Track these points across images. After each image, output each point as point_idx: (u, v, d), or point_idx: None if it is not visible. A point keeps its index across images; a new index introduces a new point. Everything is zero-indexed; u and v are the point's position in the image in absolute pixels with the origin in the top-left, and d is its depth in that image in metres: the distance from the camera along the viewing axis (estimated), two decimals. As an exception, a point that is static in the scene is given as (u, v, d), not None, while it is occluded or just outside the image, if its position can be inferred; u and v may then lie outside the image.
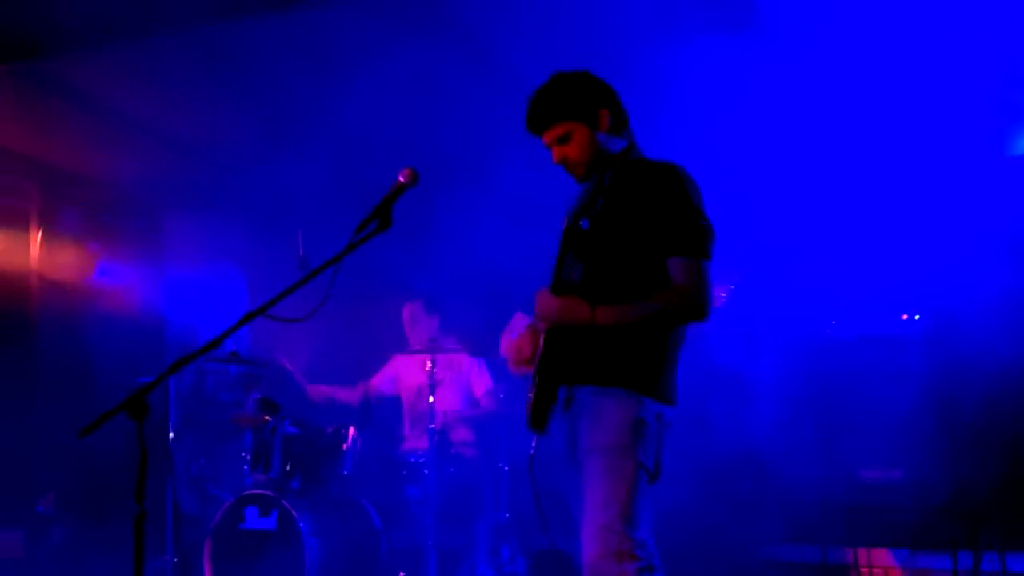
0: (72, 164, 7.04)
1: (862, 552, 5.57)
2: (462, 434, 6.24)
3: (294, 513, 5.10)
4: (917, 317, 5.34)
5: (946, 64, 5.06)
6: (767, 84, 5.29)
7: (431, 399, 5.68)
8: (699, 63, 5.05)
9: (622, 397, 2.93)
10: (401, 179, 2.97)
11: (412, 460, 5.81)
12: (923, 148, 5.45)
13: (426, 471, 5.64)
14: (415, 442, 6.18)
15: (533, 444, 3.17)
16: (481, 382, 6.34)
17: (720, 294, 4.46)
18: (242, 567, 5.18)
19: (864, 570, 5.58)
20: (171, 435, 5.83)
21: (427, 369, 5.71)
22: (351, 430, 5.61)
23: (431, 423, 5.64)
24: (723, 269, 4.35)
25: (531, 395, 3.09)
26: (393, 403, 6.53)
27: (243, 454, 5.63)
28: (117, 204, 7.36)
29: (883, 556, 5.63)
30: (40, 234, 7.34)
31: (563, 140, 3.16)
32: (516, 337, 3.20)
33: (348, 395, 6.44)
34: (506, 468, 5.95)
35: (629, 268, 3.00)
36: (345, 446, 5.59)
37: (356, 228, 2.94)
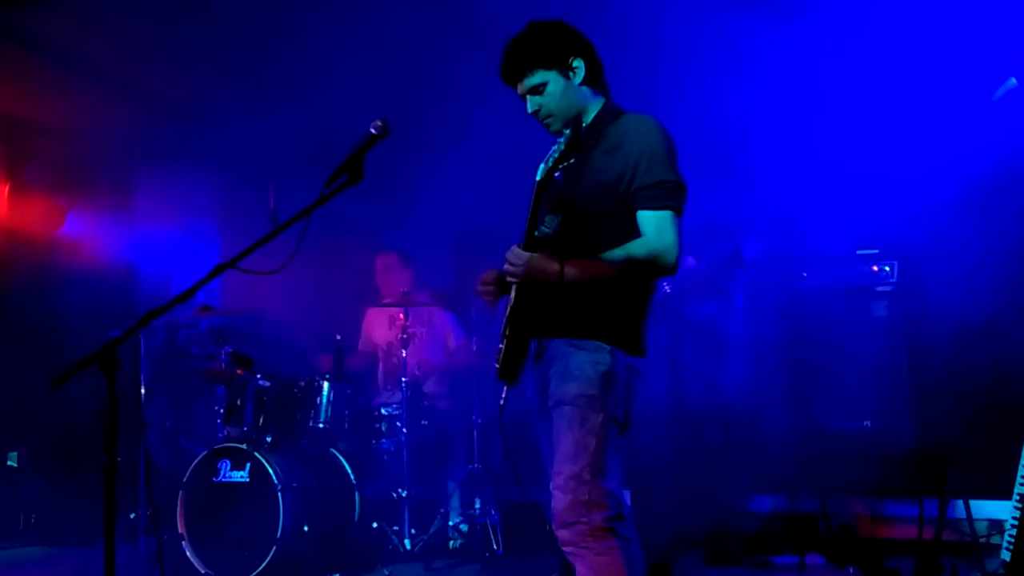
0: (40, 117, 6.95)
1: (831, 500, 5.64)
2: (435, 387, 6.27)
3: (267, 466, 5.11)
4: (888, 268, 5.37)
5: (926, 7, 5.06)
6: (745, 30, 5.27)
7: (404, 353, 5.69)
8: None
9: (592, 349, 2.95)
10: (372, 131, 2.94)
11: (385, 413, 5.83)
12: (896, 93, 5.45)
13: (399, 424, 5.66)
14: (388, 395, 6.20)
15: (503, 395, 3.18)
16: (454, 336, 6.36)
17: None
18: (215, 520, 5.20)
19: (833, 518, 5.65)
20: (143, 389, 5.83)
21: (400, 323, 5.71)
22: (324, 383, 5.61)
23: (404, 376, 5.66)
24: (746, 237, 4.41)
25: (502, 347, 3.09)
26: (367, 356, 6.54)
27: (216, 408, 5.63)
28: (86, 157, 7.27)
29: (851, 504, 5.71)
30: (8, 187, 7.26)
31: (537, 90, 3.14)
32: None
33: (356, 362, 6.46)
34: (479, 420, 5.98)
35: (602, 221, 3.00)
36: (318, 399, 5.60)
37: (327, 181, 2.91)
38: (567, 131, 3.09)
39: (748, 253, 4.35)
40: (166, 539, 5.39)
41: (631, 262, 2.93)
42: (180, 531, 5.23)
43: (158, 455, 6.23)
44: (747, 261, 4.40)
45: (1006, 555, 4.19)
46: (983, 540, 5.21)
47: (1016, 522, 4.19)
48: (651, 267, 2.96)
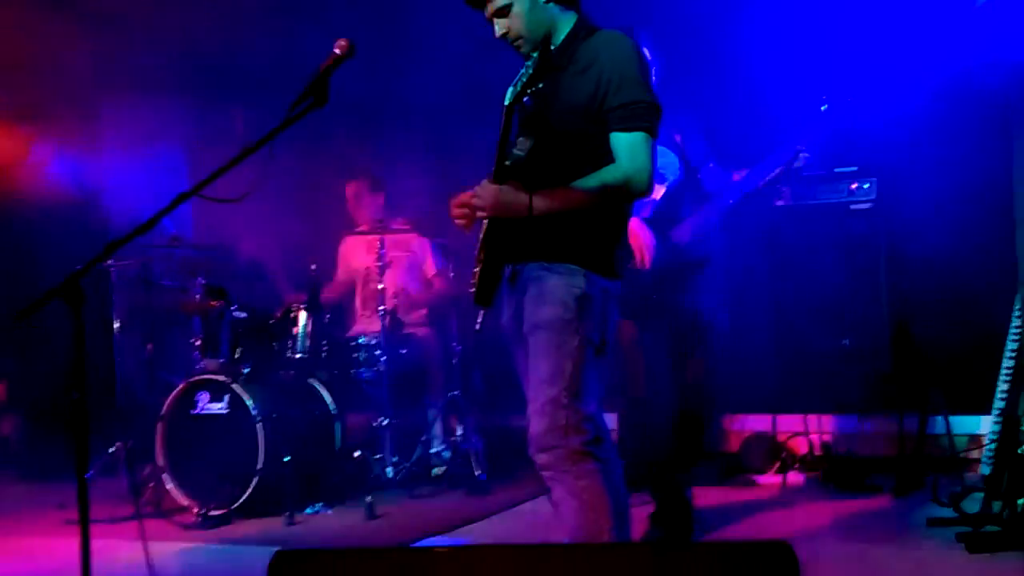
0: (2, 45, 6.77)
1: (812, 419, 5.67)
2: (414, 315, 6.22)
3: (245, 397, 5.08)
4: (867, 186, 5.32)
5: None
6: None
7: (381, 280, 5.63)
8: None
9: (566, 272, 2.90)
10: (337, 51, 2.84)
11: (364, 342, 5.79)
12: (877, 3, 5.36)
13: (378, 352, 5.63)
14: (367, 324, 6.15)
15: (479, 319, 3.14)
16: (431, 262, 6.30)
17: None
18: (195, 452, 5.18)
19: (814, 436, 5.68)
20: (116, 323, 5.76)
21: (376, 250, 5.65)
22: (300, 313, 5.56)
23: (382, 304, 5.61)
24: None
25: (476, 271, 3.04)
26: (345, 285, 6.49)
27: (192, 340, 5.58)
28: (50, 87, 7.10)
29: (832, 422, 5.74)
30: (-31, 119, 7.11)
31: (502, 12, 3.04)
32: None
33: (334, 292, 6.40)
34: (458, 347, 5.96)
35: (574, 143, 2.93)
36: (295, 329, 5.55)
37: (290, 105, 2.83)
38: (539, 51, 3.02)
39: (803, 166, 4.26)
40: (147, 472, 5.39)
41: (603, 188, 2.87)
42: (160, 463, 5.22)
43: (136, 389, 6.19)
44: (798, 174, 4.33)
45: (985, 469, 4.21)
46: (963, 455, 5.26)
47: (995, 436, 4.20)
48: (624, 191, 2.90)
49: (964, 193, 5.32)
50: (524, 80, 2.99)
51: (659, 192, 4.22)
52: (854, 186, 5.34)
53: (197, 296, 5.48)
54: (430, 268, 6.30)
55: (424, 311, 6.28)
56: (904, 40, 5.30)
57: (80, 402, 2.70)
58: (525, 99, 2.98)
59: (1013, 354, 4.24)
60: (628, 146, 2.87)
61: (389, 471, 5.50)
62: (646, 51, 3.82)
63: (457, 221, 3.06)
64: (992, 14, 4.75)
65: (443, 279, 6.19)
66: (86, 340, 2.68)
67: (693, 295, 4.29)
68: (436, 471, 5.82)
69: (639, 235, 4.08)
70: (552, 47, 3.03)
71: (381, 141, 6.91)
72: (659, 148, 4.26)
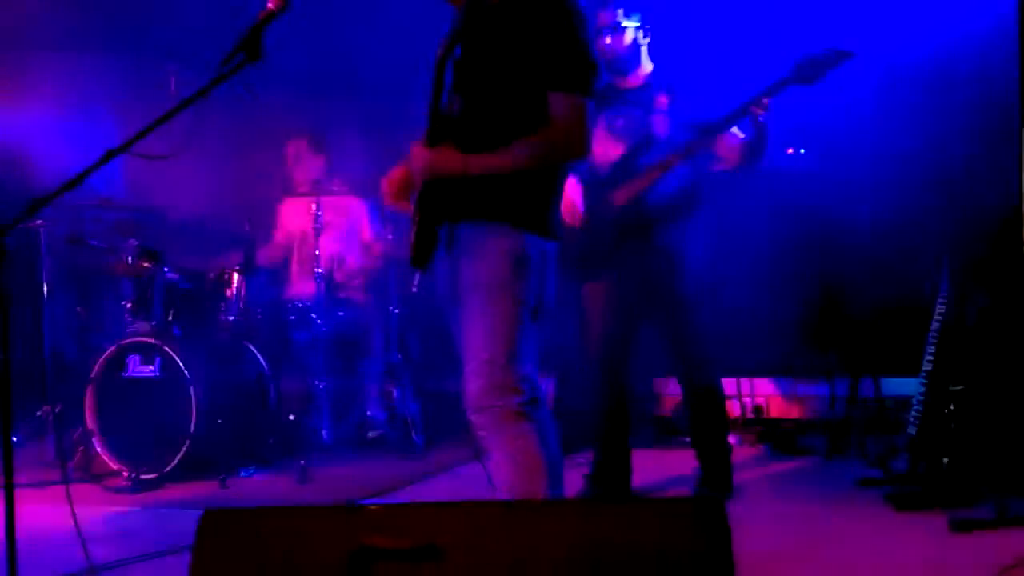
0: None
1: (744, 382, 5.74)
2: (350, 278, 6.17)
3: (177, 359, 5.00)
4: (803, 151, 5.37)
5: None
6: None
7: (317, 243, 5.57)
8: None
9: (503, 233, 2.86)
10: (270, 5, 2.77)
11: (300, 305, 5.74)
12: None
13: (314, 315, 5.58)
14: (303, 286, 6.09)
15: (415, 282, 3.12)
16: (368, 226, 6.25)
17: None
18: (126, 415, 5.10)
19: (747, 399, 5.76)
20: (45, 285, 5.64)
21: (313, 212, 5.58)
22: (234, 275, 5.48)
23: (318, 267, 5.55)
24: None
25: (411, 232, 3.01)
26: (283, 248, 6.41)
27: (123, 303, 5.48)
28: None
29: (764, 385, 5.82)
30: None
31: None
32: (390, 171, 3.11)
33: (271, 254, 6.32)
34: (396, 311, 5.93)
35: (508, 101, 2.86)
36: (229, 291, 5.48)
37: (222, 60, 2.76)
38: (470, 3, 2.96)
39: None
40: (76, 436, 5.30)
41: (539, 150, 2.83)
42: (90, 427, 5.13)
43: (65, 351, 6.08)
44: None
45: (913, 430, 4.29)
46: (892, 417, 5.36)
47: (922, 398, 4.28)
48: (560, 152, 2.87)
49: (896, 157, 5.39)
50: (454, 35, 2.92)
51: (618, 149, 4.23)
52: (789, 151, 5.38)
53: (129, 258, 5.37)
54: (367, 232, 6.25)
55: (361, 274, 6.23)
56: (846, 16, 5.34)
57: (3, 364, 2.64)
58: (456, 52, 2.91)
59: (940, 317, 4.32)
60: (564, 106, 2.82)
61: (324, 435, 5.47)
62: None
63: (391, 203, 3.05)
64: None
65: (381, 243, 6.14)
66: (13, 302, 2.62)
67: (657, 251, 4.26)
68: (372, 435, 5.80)
69: (567, 193, 4.05)
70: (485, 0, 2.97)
71: (320, 101, 6.82)
72: (626, 109, 4.29)
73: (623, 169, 4.22)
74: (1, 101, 7.00)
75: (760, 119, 4.00)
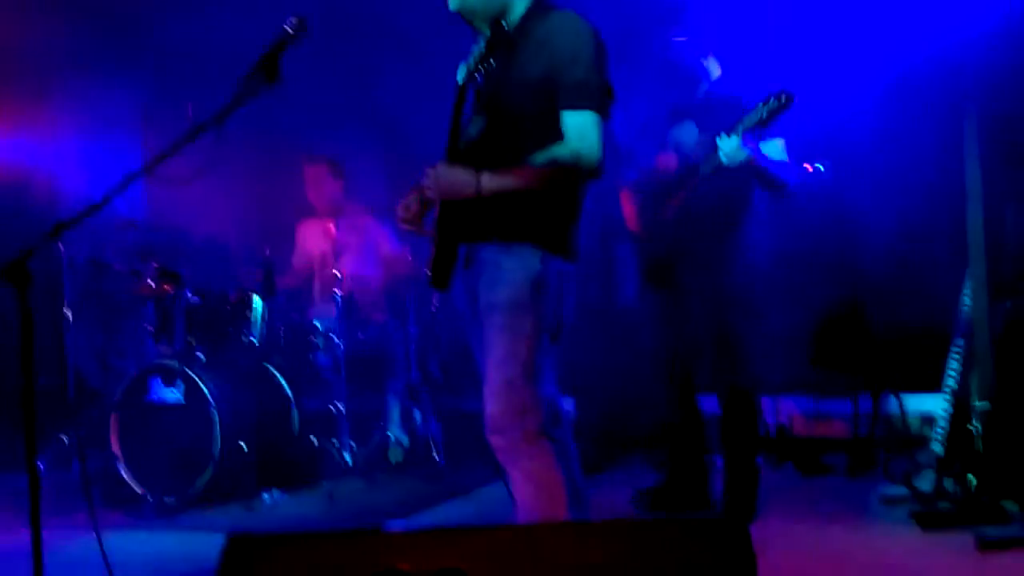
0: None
1: (767, 400, 5.71)
2: (371, 299, 6.18)
3: (200, 383, 5.01)
4: (821, 168, 5.34)
5: None
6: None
7: (336, 266, 5.59)
8: None
9: (521, 253, 2.88)
10: (287, 29, 2.81)
11: (320, 326, 5.74)
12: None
13: (335, 337, 5.59)
14: (323, 308, 6.10)
15: (435, 302, 3.13)
16: (388, 246, 6.26)
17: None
18: (150, 440, 5.11)
19: (770, 418, 5.73)
20: (68, 308, 5.67)
21: (332, 234, 5.61)
22: (255, 298, 5.50)
23: (338, 289, 5.57)
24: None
25: (431, 252, 3.02)
26: (302, 270, 6.43)
27: (146, 325, 5.50)
28: (3, 68, 6.98)
29: (787, 403, 5.78)
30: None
31: None
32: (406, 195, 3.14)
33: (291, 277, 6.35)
34: (416, 331, 5.93)
35: (526, 122, 2.91)
36: (250, 314, 5.49)
37: (240, 83, 2.79)
38: (492, 27, 3.00)
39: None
40: (101, 459, 5.31)
41: (553, 168, 2.86)
42: (114, 452, 5.15)
43: (88, 375, 6.11)
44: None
45: (937, 447, 4.26)
46: (915, 434, 5.32)
47: (946, 415, 4.25)
48: (573, 170, 2.89)
49: (915, 174, 5.36)
50: (476, 58, 2.96)
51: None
52: (808, 168, 5.36)
53: (151, 280, 5.40)
54: (386, 251, 6.26)
55: (381, 295, 6.24)
56: (852, 27, 5.33)
57: (29, 390, 2.66)
58: (477, 76, 2.95)
59: (963, 332, 4.29)
60: (577, 125, 2.85)
61: (347, 457, 5.47)
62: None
63: (406, 227, 3.08)
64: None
65: (400, 263, 6.15)
66: (36, 325, 2.64)
67: (709, 267, 4.30)
68: (394, 457, 5.79)
69: (624, 203, 4.18)
70: (506, 24, 3.01)
71: (339, 123, 6.85)
72: (687, 123, 4.36)
73: (678, 182, 4.26)
74: (24, 125, 7.08)
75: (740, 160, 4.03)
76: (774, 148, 4.30)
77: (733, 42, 5.02)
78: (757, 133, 4.02)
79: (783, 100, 3.91)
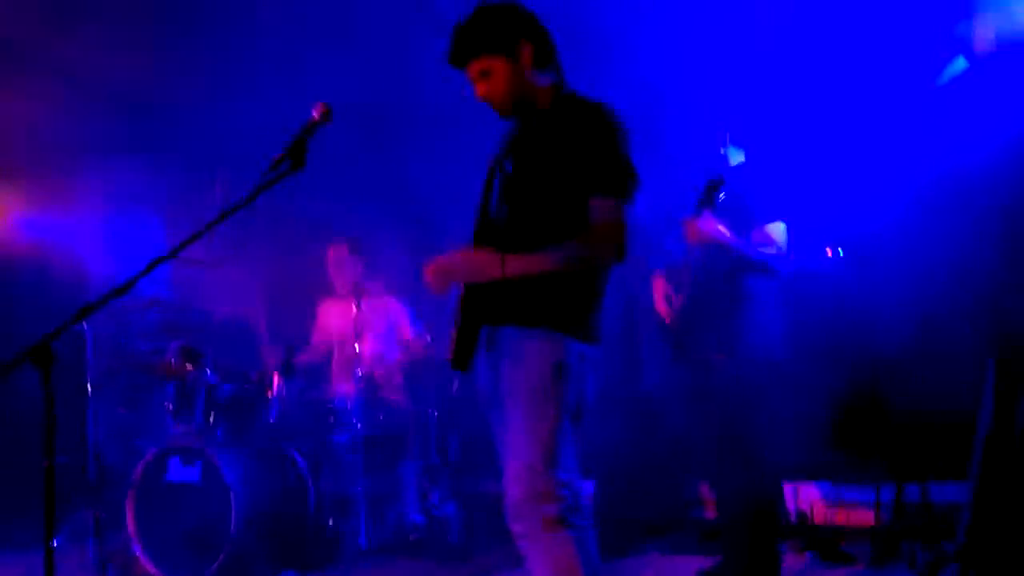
0: (-19, 107, 6.79)
1: (788, 486, 5.64)
2: (390, 379, 6.19)
3: (218, 463, 5.01)
4: (842, 252, 5.36)
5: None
6: (696, 23, 5.25)
7: (357, 345, 5.61)
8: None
9: (543, 337, 2.89)
10: (314, 115, 2.87)
11: (339, 406, 5.75)
12: (847, 77, 5.44)
13: (354, 417, 5.59)
14: (342, 388, 6.11)
15: (455, 384, 3.13)
16: (407, 326, 6.28)
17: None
18: (167, 520, 5.10)
19: (791, 505, 5.66)
20: (90, 386, 5.69)
21: (352, 314, 5.63)
22: (276, 377, 5.52)
23: (358, 368, 5.58)
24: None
25: (453, 334, 3.04)
26: (321, 349, 6.45)
27: (166, 404, 5.52)
28: (31, 147, 7.10)
29: (809, 490, 5.71)
30: (-53, 183, 7.09)
31: (484, 75, 3.08)
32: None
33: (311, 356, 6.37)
34: (435, 413, 5.92)
35: (553, 209, 2.95)
36: (270, 394, 5.51)
37: (267, 168, 2.84)
38: (519, 115, 3.06)
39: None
40: (117, 539, 5.29)
41: (577, 253, 2.89)
42: (130, 531, 5.13)
43: (108, 453, 6.10)
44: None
45: (962, 537, 4.19)
46: (939, 523, 5.23)
47: (971, 504, 4.19)
48: (598, 257, 2.92)
49: (936, 257, 5.35)
50: (506, 144, 3.01)
51: None
52: (829, 252, 5.38)
53: (172, 359, 5.43)
54: (406, 332, 6.28)
55: (400, 376, 6.25)
56: (872, 116, 5.39)
57: (50, 470, 2.66)
58: (506, 161, 3.00)
59: (986, 421, 4.24)
60: (603, 212, 2.88)
61: (364, 539, 5.43)
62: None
63: (431, 286, 3.08)
64: (957, 92, 4.85)
65: (420, 344, 6.16)
66: (57, 402, 2.66)
67: (714, 351, 4.34)
68: (411, 539, 5.74)
69: (655, 289, 4.40)
70: (532, 111, 3.07)
71: (362, 204, 6.93)
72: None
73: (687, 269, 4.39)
74: (52, 204, 7.19)
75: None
76: (777, 230, 4.37)
77: (758, 132, 5.10)
78: (703, 212, 4.18)
79: (716, 180, 4.15)
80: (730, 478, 4.36)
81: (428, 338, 6.06)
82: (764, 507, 4.32)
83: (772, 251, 4.35)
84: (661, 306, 4.48)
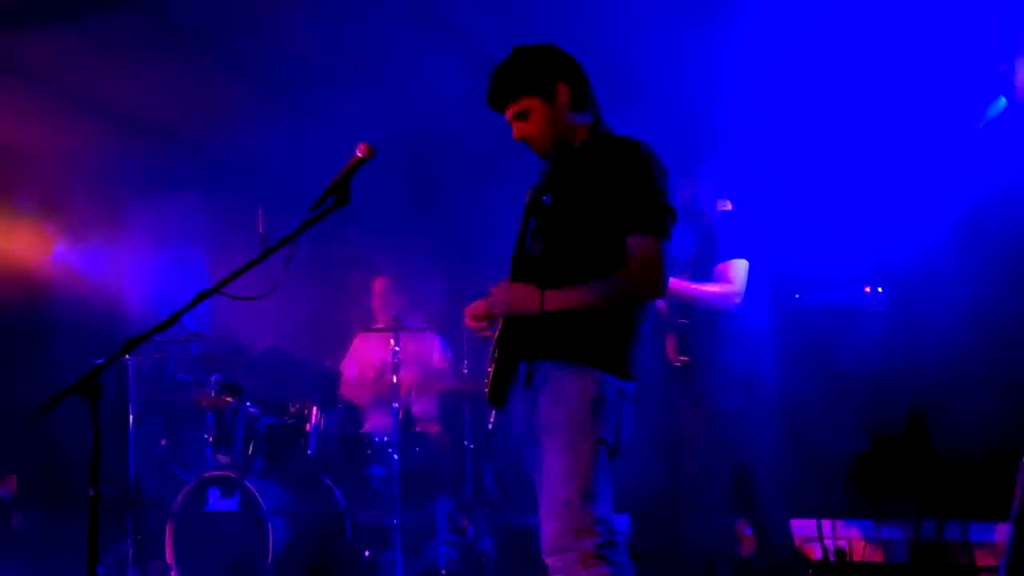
0: (27, 143, 6.93)
1: (826, 523, 5.60)
2: (426, 410, 6.22)
3: (257, 494, 5.06)
4: (880, 289, 5.34)
5: (912, 31, 5.06)
6: (737, 49, 5.27)
7: (394, 377, 5.64)
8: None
9: (582, 373, 2.91)
10: (358, 153, 2.92)
11: (376, 439, 5.78)
12: (885, 115, 5.45)
13: (390, 450, 5.61)
14: (379, 421, 6.15)
15: (491, 419, 3.15)
16: (445, 361, 6.32)
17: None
18: (205, 549, 5.15)
19: (828, 542, 5.61)
20: (131, 417, 5.77)
21: (391, 347, 5.67)
22: (314, 410, 5.57)
23: (395, 402, 5.61)
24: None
25: (490, 369, 3.06)
26: (355, 383, 6.50)
27: (205, 435, 5.58)
28: (75, 183, 7.25)
29: (847, 527, 5.67)
30: (-6, 215, 7.23)
31: (521, 116, 3.12)
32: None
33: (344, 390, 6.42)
34: (471, 446, 5.93)
35: (590, 245, 2.97)
36: (308, 426, 5.55)
37: (312, 205, 2.90)
38: (556, 154, 3.10)
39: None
40: (156, 568, 5.35)
41: (615, 288, 2.91)
42: (169, 561, 5.18)
43: (148, 483, 6.17)
44: None
45: (1004, 577, 4.14)
46: (981, 565, 5.17)
47: (1012, 544, 4.14)
48: (636, 292, 2.95)
49: (981, 294, 5.32)
50: (542, 182, 3.05)
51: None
52: (867, 289, 5.37)
53: (212, 392, 5.51)
54: (443, 366, 6.33)
55: (436, 408, 6.28)
56: (914, 150, 5.38)
57: (96, 499, 2.71)
58: (543, 199, 3.04)
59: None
60: (641, 248, 2.91)
61: (399, 570, 5.44)
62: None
63: (474, 331, 3.13)
64: (999, 129, 4.85)
65: (452, 372, 6.21)
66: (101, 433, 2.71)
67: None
68: (446, 571, 5.75)
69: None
70: (570, 150, 3.11)
71: (400, 238, 6.99)
72: None
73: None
74: (96, 239, 7.32)
75: None
76: (736, 267, 4.59)
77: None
78: None
79: None
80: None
81: (465, 372, 6.09)
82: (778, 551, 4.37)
83: (719, 288, 4.54)
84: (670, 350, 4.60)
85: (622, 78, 4.40)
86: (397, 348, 5.66)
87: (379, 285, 6.38)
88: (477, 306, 3.15)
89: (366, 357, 6.46)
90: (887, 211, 5.41)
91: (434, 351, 6.37)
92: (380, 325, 6.30)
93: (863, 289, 5.38)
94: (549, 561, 2.86)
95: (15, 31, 5.44)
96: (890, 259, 5.34)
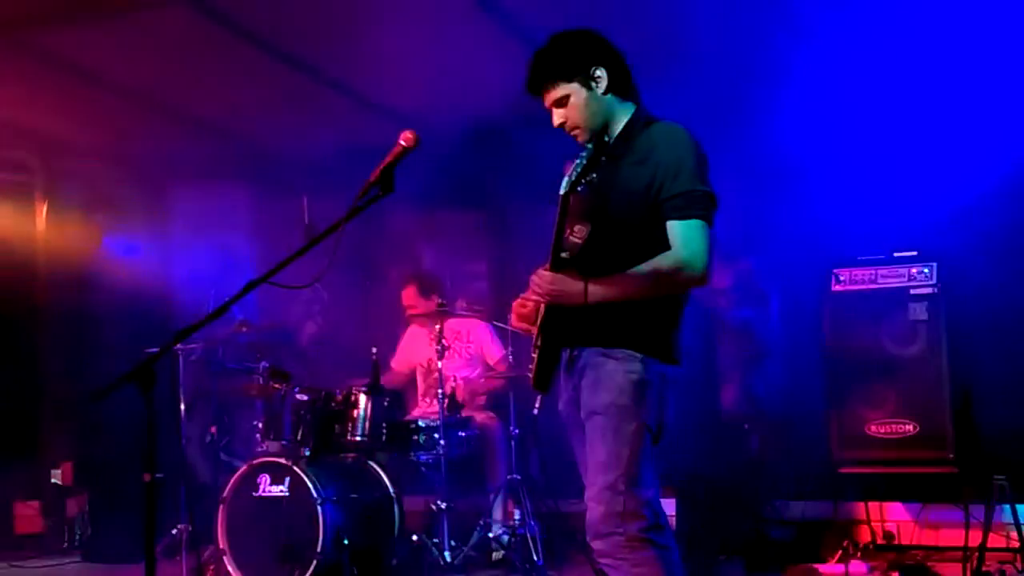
0: (76, 137, 7.04)
1: (874, 506, 5.58)
2: (473, 399, 6.26)
3: (306, 479, 5.13)
4: (927, 270, 5.28)
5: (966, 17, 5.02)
6: (777, 32, 5.24)
7: (441, 366, 5.68)
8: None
9: (624, 358, 2.92)
10: (402, 143, 2.93)
11: (424, 425, 5.82)
12: (933, 90, 5.39)
13: (437, 436, 5.65)
14: (427, 407, 6.20)
15: (537, 404, 3.17)
16: (493, 347, 6.33)
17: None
18: (256, 534, 5.22)
19: (876, 525, 5.59)
20: (182, 405, 5.86)
21: (436, 336, 5.71)
22: (361, 396, 5.62)
23: (442, 388, 5.65)
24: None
25: (534, 356, 3.08)
26: (401, 372, 6.56)
27: (255, 422, 5.67)
28: (123, 176, 7.35)
29: (895, 510, 5.63)
30: (45, 207, 7.36)
31: (560, 103, 3.10)
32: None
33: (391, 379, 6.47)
34: (517, 431, 5.96)
35: (631, 231, 2.97)
36: (356, 412, 5.61)
37: (358, 195, 2.92)
38: (596, 140, 3.08)
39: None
40: (208, 553, 5.44)
41: (658, 275, 2.90)
42: (221, 546, 5.27)
43: (199, 470, 6.27)
44: None
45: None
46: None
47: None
48: (679, 279, 2.93)
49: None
50: (580, 169, 3.04)
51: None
52: (914, 270, 5.30)
53: (261, 379, 5.59)
54: (492, 355, 6.34)
55: (483, 397, 6.32)
56: (961, 127, 5.33)
57: (152, 485, 2.77)
58: (580, 187, 3.02)
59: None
60: (683, 234, 2.89)
61: (447, 555, 5.49)
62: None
63: (521, 331, 3.15)
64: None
65: (503, 364, 6.22)
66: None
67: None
68: (494, 556, 5.79)
69: None
70: (609, 137, 3.10)
71: (445, 227, 7.03)
72: None
73: None
74: (144, 229, 7.42)
75: None
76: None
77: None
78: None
79: None
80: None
81: (510, 358, 6.11)
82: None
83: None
84: None
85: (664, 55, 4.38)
86: (443, 336, 5.69)
87: (406, 295, 6.42)
88: (524, 303, 3.16)
89: (414, 346, 6.51)
90: (931, 189, 5.36)
91: (485, 342, 6.35)
92: (425, 316, 6.29)
93: (909, 270, 5.31)
94: (595, 544, 2.88)
95: (64, 26, 5.53)
96: (935, 239, 5.28)
